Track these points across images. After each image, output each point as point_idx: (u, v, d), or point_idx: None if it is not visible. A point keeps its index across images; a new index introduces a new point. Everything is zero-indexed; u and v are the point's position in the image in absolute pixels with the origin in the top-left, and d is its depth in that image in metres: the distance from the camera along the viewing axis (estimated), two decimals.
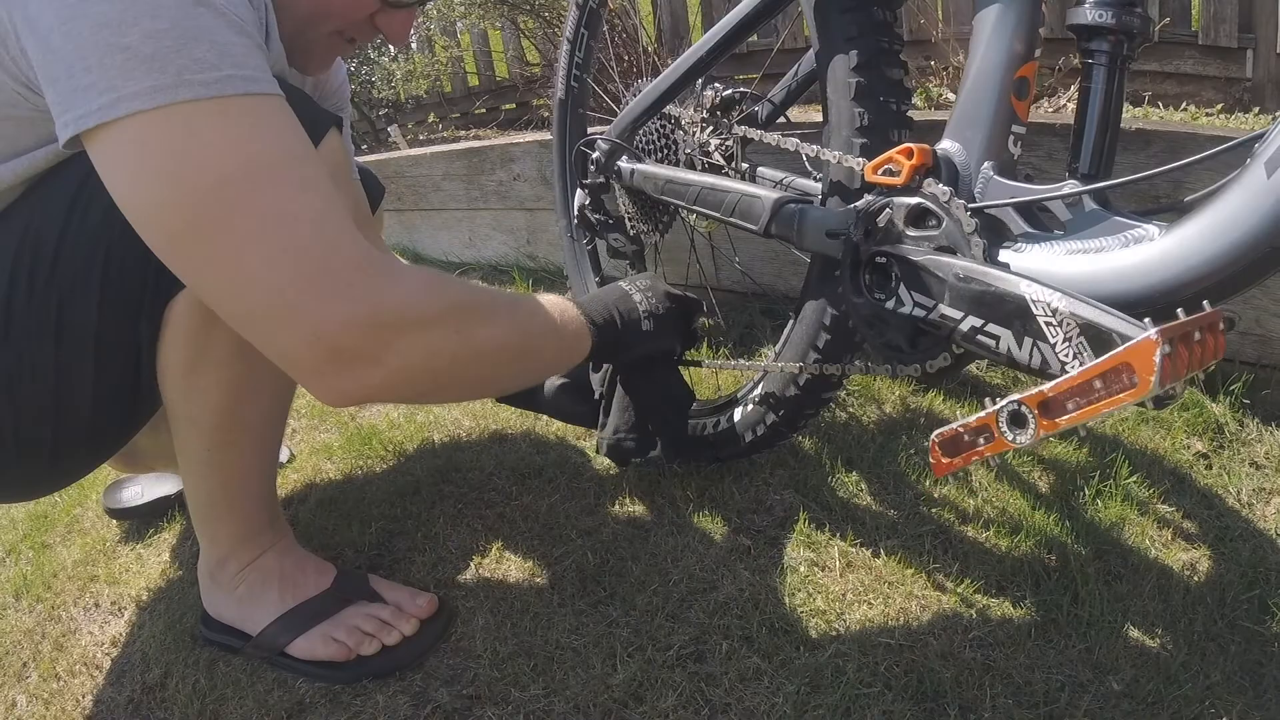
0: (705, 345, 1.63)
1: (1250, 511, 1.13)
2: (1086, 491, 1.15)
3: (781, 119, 1.27)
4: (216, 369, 0.91)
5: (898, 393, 1.42)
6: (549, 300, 1.00)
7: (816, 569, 1.06)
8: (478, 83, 3.73)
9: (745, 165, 1.17)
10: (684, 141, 1.21)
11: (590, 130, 1.68)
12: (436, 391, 0.98)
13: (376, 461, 1.44)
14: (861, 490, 1.20)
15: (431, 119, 3.77)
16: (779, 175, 1.12)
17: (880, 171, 0.77)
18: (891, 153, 0.75)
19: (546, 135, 2.06)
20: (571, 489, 1.27)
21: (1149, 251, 0.65)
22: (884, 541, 1.09)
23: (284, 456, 1.50)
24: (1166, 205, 0.73)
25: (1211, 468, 1.21)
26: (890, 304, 0.78)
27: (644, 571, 1.07)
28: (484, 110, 3.70)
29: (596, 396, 1.19)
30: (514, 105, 3.51)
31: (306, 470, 1.45)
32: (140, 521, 1.40)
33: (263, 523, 1.06)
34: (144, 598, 1.21)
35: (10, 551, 1.45)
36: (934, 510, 1.15)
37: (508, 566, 1.12)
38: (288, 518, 1.28)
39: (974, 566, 1.04)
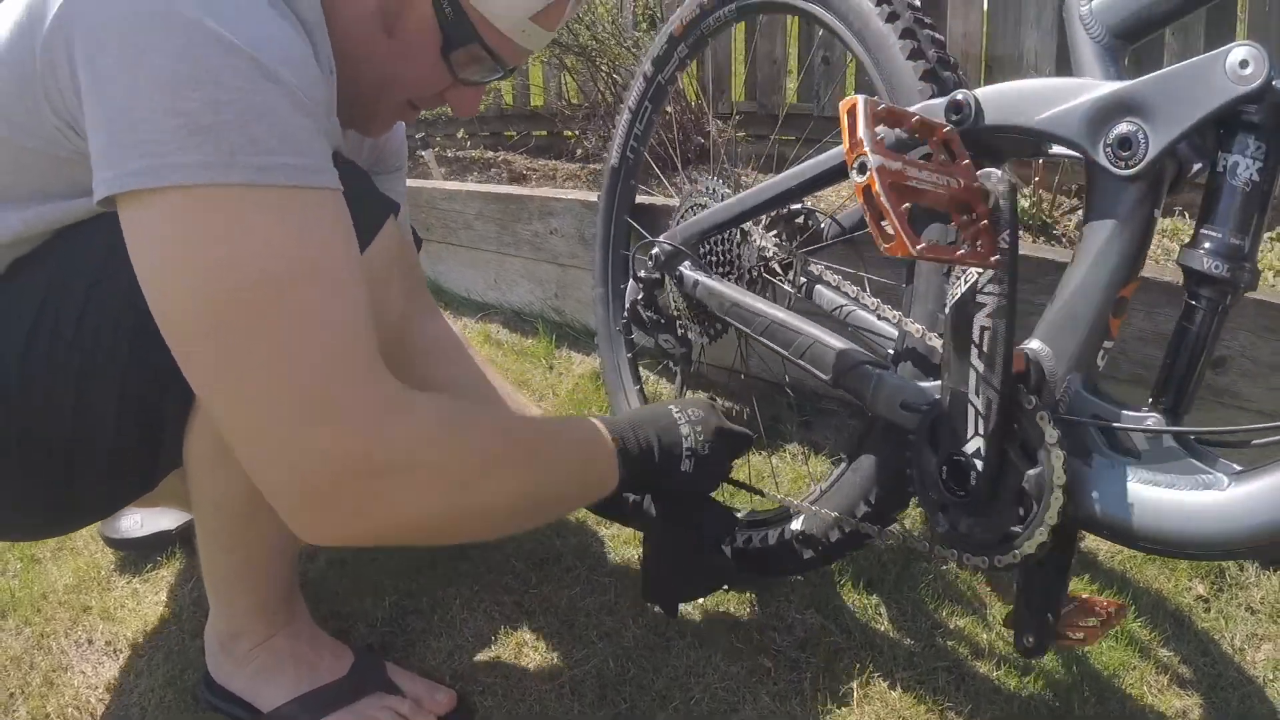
0: None
1: (1242, 658, 1.15)
2: None
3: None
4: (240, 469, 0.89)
5: (919, 514, 1.43)
6: (580, 429, 0.97)
7: (833, 701, 1.06)
8: (511, 104, 3.73)
9: (803, 280, 1.17)
10: (746, 255, 1.21)
11: (638, 199, 1.69)
12: (432, 540, 0.97)
13: None
14: (881, 615, 1.20)
15: (461, 134, 3.76)
16: (840, 300, 1.12)
17: None
18: None
19: (589, 195, 2.05)
20: (591, 582, 1.26)
21: (1215, 500, 0.68)
22: (899, 673, 1.09)
23: None
24: (1233, 436, 0.74)
25: (1210, 611, 1.23)
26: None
27: (666, 685, 1.07)
28: (515, 134, 3.70)
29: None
30: (546, 133, 3.51)
31: None
32: (137, 552, 1.38)
33: (279, 600, 1.04)
34: (141, 641, 1.19)
35: None
36: (949, 643, 1.15)
37: (527, 663, 1.11)
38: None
39: (983, 706, 1.04)
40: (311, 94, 0.71)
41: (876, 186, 0.61)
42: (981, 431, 0.77)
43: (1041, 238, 1.90)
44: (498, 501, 0.82)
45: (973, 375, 0.77)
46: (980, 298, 0.75)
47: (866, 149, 0.62)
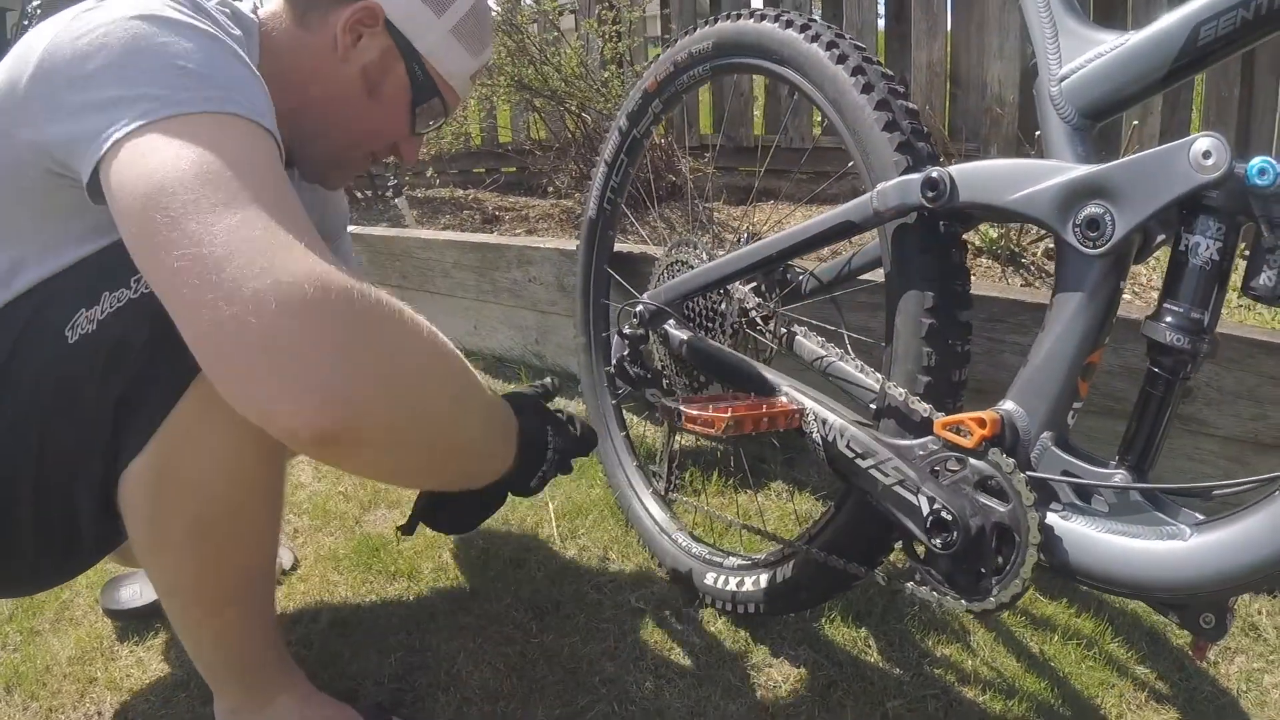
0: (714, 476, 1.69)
1: (1216, 671, 1.21)
2: (1073, 654, 1.22)
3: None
4: (178, 547, 0.90)
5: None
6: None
7: None
8: (480, 143, 3.77)
9: (784, 332, 1.22)
10: (728, 308, 1.26)
11: (616, 248, 1.74)
12: (408, 429, 0.76)
13: (387, 579, 1.45)
14: (870, 647, 1.25)
15: (430, 173, 3.80)
16: (819, 352, 1.17)
17: (950, 429, 0.83)
18: (965, 417, 0.81)
19: (567, 243, 2.09)
20: (591, 629, 1.29)
21: (1178, 549, 0.72)
22: (890, 702, 1.14)
23: (288, 562, 1.50)
24: (1195, 489, 0.80)
25: (1184, 629, 1.29)
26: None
27: None
28: (483, 170, 3.74)
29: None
30: (514, 169, 3.56)
31: (314, 581, 1.46)
32: (137, 621, 1.39)
33: (268, 675, 1.06)
34: (150, 712, 1.20)
35: None
36: (936, 670, 1.20)
37: (533, 712, 1.14)
38: (300, 637, 1.30)
39: None
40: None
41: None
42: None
43: (1010, 267, 1.97)
44: (426, 391, 0.77)
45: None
46: None
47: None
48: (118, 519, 0.89)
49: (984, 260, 2.01)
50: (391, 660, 1.24)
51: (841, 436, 0.96)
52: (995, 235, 1.99)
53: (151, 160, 0.68)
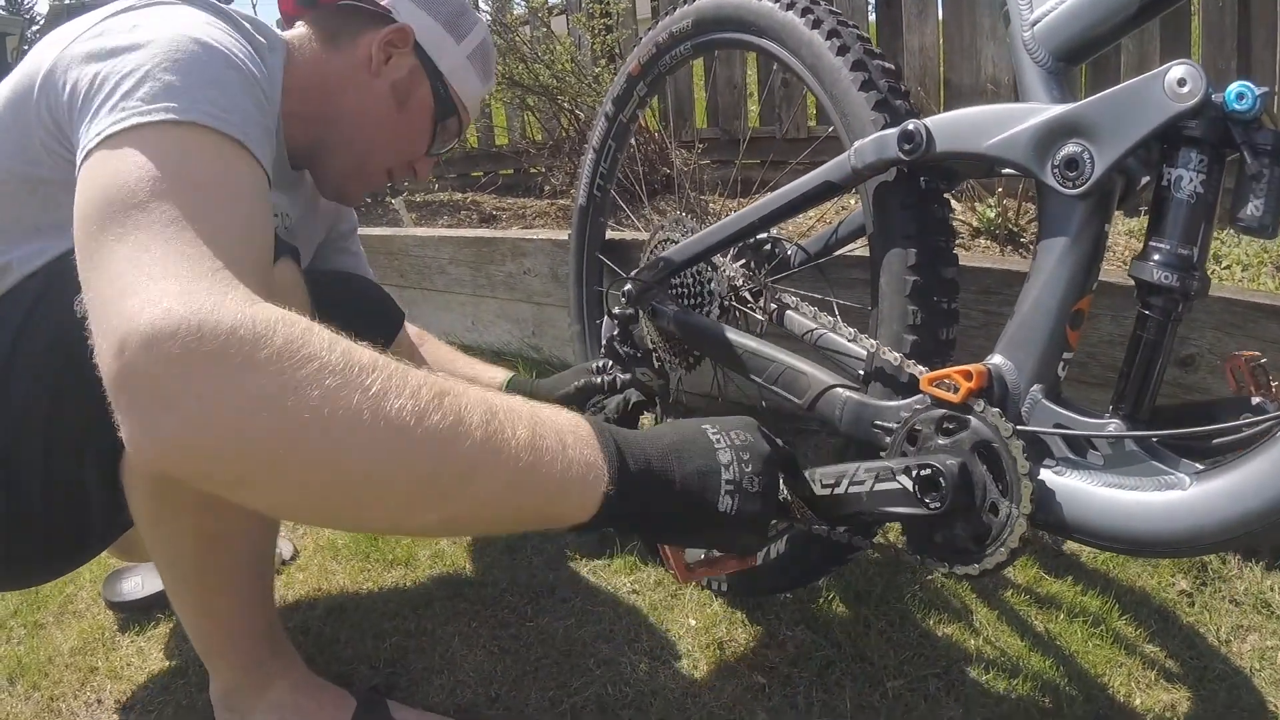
0: None
1: (1228, 649, 1.18)
2: (1080, 632, 1.20)
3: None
4: (181, 520, 0.91)
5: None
6: (557, 416, 0.72)
7: (828, 713, 1.08)
8: (476, 145, 3.78)
9: (774, 307, 1.21)
10: (717, 284, 1.25)
11: (608, 235, 1.73)
12: (271, 483, 0.60)
13: (384, 567, 1.45)
14: (869, 627, 1.23)
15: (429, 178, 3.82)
16: (810, 325, 1.16)
17: (936, 384, 0.81)
18: (951, 371, 0.79)
19: (560, 234, 2.09)
20: (586, 612, 1.28)
21: (1177, 500, 0.70)
22: (891, 682, 1.12)
23: (288, 552, 1.50)
24: (1192, 436, 0.78)
25: (1194, 605, 1.26)
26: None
27: (664, 708, 1.09)
28: (481, 174, 3.74)
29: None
30: (512, 171, 3.57)
31: (313, 570, 1.45)
32: (139, 613, 1.39)
33: (264, 656, 1.05)
34: (149, 699, 1.20)
35: (0, 627, 1.43)
36: (937, 650, 1.18)
37: (527, 694, 1.13)
38: (297, 624, 1.29)
39: (974, 710, 1.07)
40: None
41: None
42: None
43: (1009, 246, 1.95)
44: (365, 451, 0.59)
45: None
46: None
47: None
48: (124, 496, 0.90)
49: (982, 240, 1.99)
50: (387, 645, 1.23)
51: (813, 478, 0.89)
52: (993, 215, 1.97)
53: (88, 185, 0.70)
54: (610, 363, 1.27)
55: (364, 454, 0.59)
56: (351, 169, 1.17)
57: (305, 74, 1.08)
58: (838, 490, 0.85)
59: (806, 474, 0.87)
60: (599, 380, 1.26)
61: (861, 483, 0.83)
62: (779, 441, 0.83)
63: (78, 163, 0.73)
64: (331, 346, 0.60)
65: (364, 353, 0.62)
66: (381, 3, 1.13)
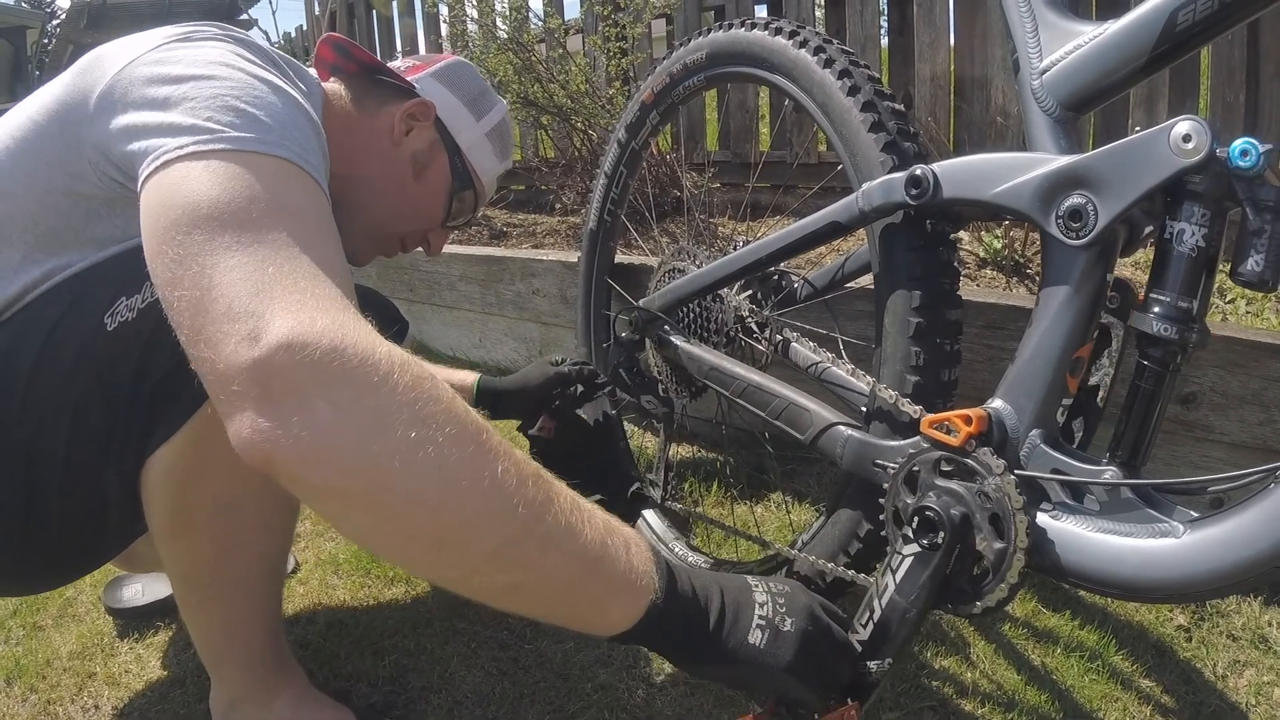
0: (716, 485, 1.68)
1: (1224, 684, 1.18)
2: (1076, 667, 1.20)
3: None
4: (200, 532, 0.93)
5: None
6: (620, 527, 0.75)
7: None
8: None
9: (779, 339, 1.22)
10: (723, 316, 1.26)
11: (617, 259, 1.75)
12: (368, 502, 0.63)
13: (385, 584, 1.45)
14: None
15: None
16: (814, 358, 1.17)
17: (936, 427, 0.82)
18: (952, 415, 0.80)
19: (570, 256, 2.11)
20: (584, 637, 1.28)
21: (1171, 548, 0.71)
22: (887, 714, 1.12)
23: (289, 566, 1.51)
24: (1187, 485, 0.79)
25: (1191, 640, 1.26)
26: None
27: None
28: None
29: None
30: (524, 187, 3.58)
31: (313, 584, 1.46)
32: (139, 620, 1.40)
33: (270, 668, 1.07)
34: (146, 706, 1.20)
35: None
36: (934, 682, 1.18)
37: (525, 717, 1.13)
38: (297, 638, 1.30)
39: None
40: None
41: None
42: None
43: (1015, 277, 1.96)
44: (467, 498, 0.64)
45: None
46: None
47: None
48: (140, 506, 0.91)
49: (988, 271, 2.00)
50: (386, 662, 1.24)
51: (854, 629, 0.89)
52: (999, 246, 1.98)
53: (181, 190, 0.69)
54: (566, 358, 1.31)
55: (465, 500, 0.63)
56: (366, 231, 1.18)
57: (335, 129, 1.05)
58: (875, 617, 0.85)
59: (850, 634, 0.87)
60: (568, 370, 1.34)
61: (885, 586, 0.84)
62: (835, 620, 0.86)
63: (147, 168, 0.72)
64: (453, 398, 0.65)
65: (473, 411, 0.67)
66: (408, 78, 1.18)
